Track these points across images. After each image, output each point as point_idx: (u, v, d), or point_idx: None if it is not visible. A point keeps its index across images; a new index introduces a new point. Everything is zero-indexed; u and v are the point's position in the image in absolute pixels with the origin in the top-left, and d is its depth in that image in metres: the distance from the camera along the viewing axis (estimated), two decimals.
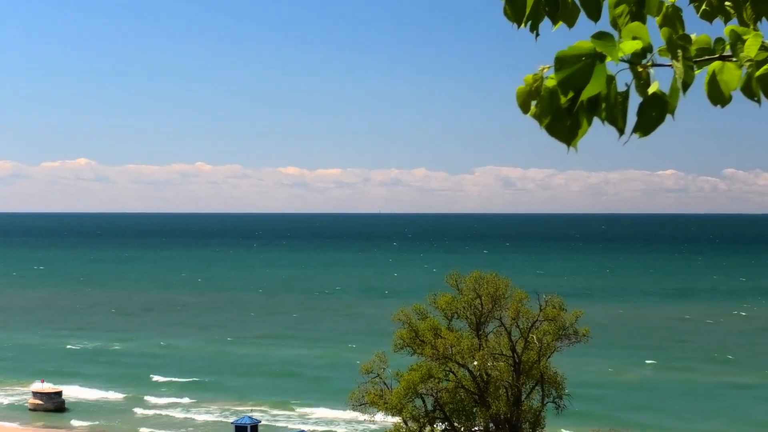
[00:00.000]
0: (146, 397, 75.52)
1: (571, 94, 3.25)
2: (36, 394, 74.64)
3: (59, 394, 75.01)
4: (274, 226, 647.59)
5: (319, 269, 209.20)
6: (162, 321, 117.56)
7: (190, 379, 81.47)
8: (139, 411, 72.00)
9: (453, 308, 44.79)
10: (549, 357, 43.52)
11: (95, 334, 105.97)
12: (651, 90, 3.24)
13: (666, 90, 3.23)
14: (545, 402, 42.98)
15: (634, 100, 3.27)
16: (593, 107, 3.27)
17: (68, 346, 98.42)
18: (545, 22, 3.67)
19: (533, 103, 3.33)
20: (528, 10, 3.61)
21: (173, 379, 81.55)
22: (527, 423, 42.66)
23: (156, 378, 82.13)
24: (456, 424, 42.41)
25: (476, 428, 42.62)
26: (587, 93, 3.22)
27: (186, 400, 74.78)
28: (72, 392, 77.13)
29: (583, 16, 3.61)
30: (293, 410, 71.49)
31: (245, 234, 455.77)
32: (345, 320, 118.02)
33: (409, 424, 42.11)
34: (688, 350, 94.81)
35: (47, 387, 75.55)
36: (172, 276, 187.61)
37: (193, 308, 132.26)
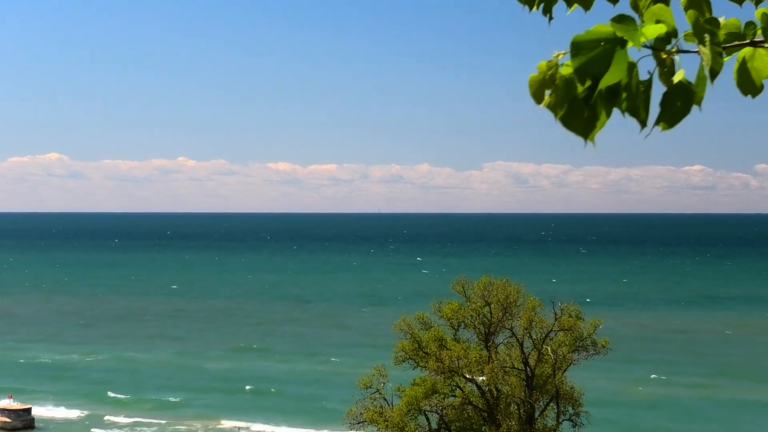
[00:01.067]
0: (107, 417, 75.18)
1: (588, 83, 3.24)
2: (3, 412, 74.61)
3: (28, 411, 75.00)
4: (262, 227, 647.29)
5: (309, 275, 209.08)
6: (132, 332, 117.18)
7: (159, 397, 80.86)
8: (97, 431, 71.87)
9: (460, 317, 44.82)
10: (565, 370, 43.55)
11: (59, 347, 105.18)
12: (676, 78, 3.23)
13: (692, 78, 3.23)
14: (561, 420, 43.01)
15: (658, 90, 3.27)
16: (613, 97, 3.26)
17: (32, 360, 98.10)
18: (559, 5, 3.66)
19: (547, 92, 3.32)
20: None
21: (141, 397, 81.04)
22: None
23: (120, 396, 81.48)
24: None
25: None
26: (606, 81, 3.21)
27: (154, 420, 74.50)
28: (39, 411, 76.84)
29: None
30: None
31: (230, 236, 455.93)
32: (335, 331, 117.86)
33: None
34: (714, 364, 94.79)
35: (15, 404, 75.53)
36: (148, 282, 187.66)
37: (166, 317, 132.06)
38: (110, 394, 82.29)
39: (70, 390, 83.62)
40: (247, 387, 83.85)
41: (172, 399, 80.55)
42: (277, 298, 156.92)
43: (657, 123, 3.25)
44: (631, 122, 3.26)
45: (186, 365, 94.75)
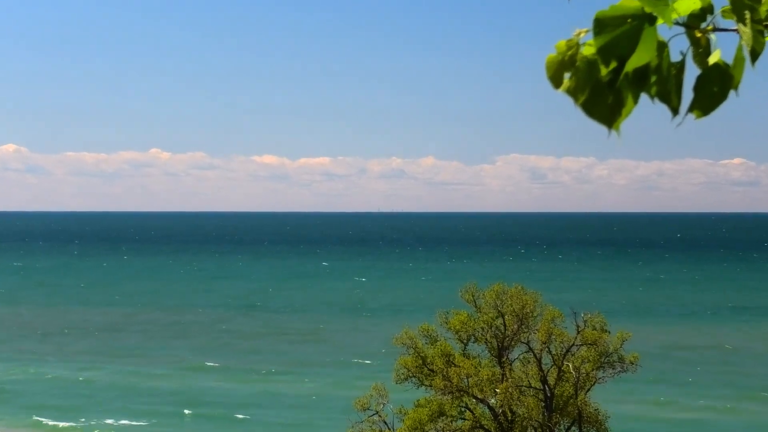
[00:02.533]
0: None
1: (613, 65, 3.23)
2: None
3: None
4: (246, 227, 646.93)
5: (296, 281, 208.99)
6: (67, 347, 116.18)
7: (97, 421, 80.00)
8: None
9: (469, 329, 44.82)
10: (588, 390, 43.56)
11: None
12: (712, 60, 3.22)
13: (729, 60, 3.22)
14: None
15: (691, 73, 3.26)
16: (640, 81, 3.26)
17: None
18: None
19: (567, 75, 3.32)
20: None
21: (74, 423, 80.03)
22: None
23: (48, 421, 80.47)
24: None
25: None
26: (633, 63, 3.21)
27: None
28: None
29: None
30: None
31: (208, 237, 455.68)
32: (321, 346, 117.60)
33: None
34: (754, 386, 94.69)
35: None
36: (109, 289, 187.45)
37: (110, 330, 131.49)
38: (36, 418, 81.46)
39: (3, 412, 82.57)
40: (221, 413, 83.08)
41: (108, 421, 79.91)
42: (259, 308, 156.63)
43: (690, 110, 3.24)
44: (662, 109, 3.25)
45: (128, 385, 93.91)
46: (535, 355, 44.24)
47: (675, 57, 3.26)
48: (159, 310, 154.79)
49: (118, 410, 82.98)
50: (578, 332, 44.15)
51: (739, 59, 3.22)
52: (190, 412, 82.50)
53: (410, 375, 43.80)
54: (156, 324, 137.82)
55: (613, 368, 43.84)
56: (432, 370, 43.28)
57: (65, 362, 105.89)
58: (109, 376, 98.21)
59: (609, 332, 44.56)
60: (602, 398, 46.49)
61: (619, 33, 3.18)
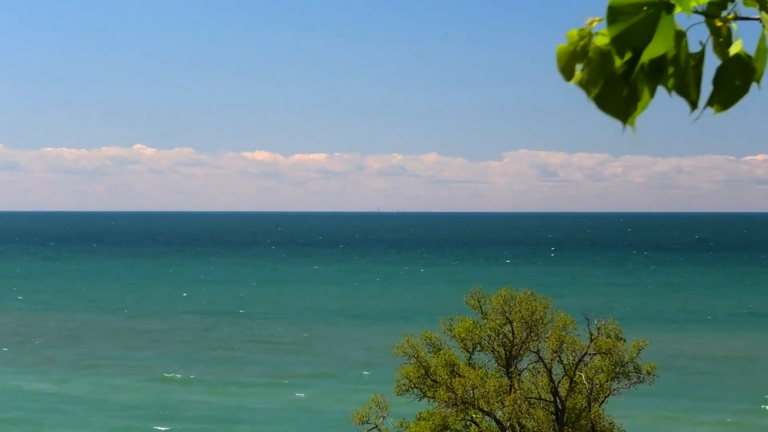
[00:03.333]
0: None
1: (628, 56, 3.24)
2: None
3: None
4: (234, 228, 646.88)
5: (286, 286, 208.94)
6: (27, 355, 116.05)
7: None
8: None
9: (475, 337, 44.85)
10: (602, 402, 43.58)
11: None
12: (733, 50, 3.22)
13: (751, 51, 3.22)
14: None
15: (711, 64, 3.27)
16: (657, 73, 3.26)
17: None
18: None
19: (579, 67, 3.33)
20: None
21: None
22: None
23: None
24: None
25: None
26: (649, 54, 3.21)
27: None
28: None
29: None
30: None
31: (195, 239, 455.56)
32: (315, 356, 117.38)
33: None
34: None
35: None
36: (81, 295, 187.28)
37: (92, 339, 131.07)
38: None
39: None
40: (187, 427, 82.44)
41: None
42: (244, 315, 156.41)
43: (709, 104, 3.25)
44: (680, 103, 3.26)
45: (97, 398, 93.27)
46: (545, 365, 44.24)
47: (694, 47, 3.26)
48: (136, 316, 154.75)
49: (85, 425, 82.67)
50: (591, 340, 44.16)
51: (761, 50, 3.22)
52: (164, 429, 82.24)
53: (412, 386, 43.82)
54: (131, 332, 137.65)
55: (629, 379, 43.86)
56: (435, 381, 43.29)
57: (31, 373, 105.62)
58: (78, 388, 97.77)
59: (624, 340, 44.55)
60: (617, 411, 46.52)
61: (635, 22, 3.19)
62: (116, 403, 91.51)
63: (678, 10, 3.18)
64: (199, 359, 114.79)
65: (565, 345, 44.16)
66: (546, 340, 44.51)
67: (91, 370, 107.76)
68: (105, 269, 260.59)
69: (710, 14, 3.24)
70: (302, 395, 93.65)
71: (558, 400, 43.48)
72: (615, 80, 3.26)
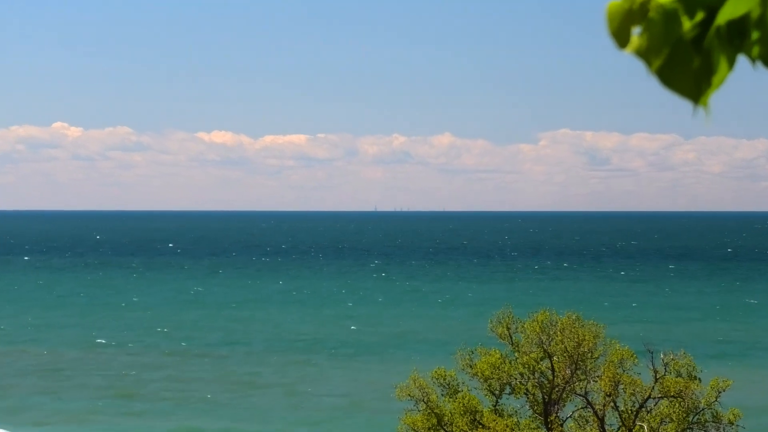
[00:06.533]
0: None
1: (701, 16, 3.33)
2: None
3: None
4: (185, 232, 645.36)
5: (250, 307, 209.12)
6: None
7: None
8: None
9: (503, 376, 45.02)
10: None
11: None
12: None
13: None
14: None
15: None
16: (737, 38, 3.34)
17: None
18: None
19: (636, 30, 3.41)
20: None
21: None
22: None
23: None
24: None
25: None
26: (727, 14, 3.29)
27: None
28: None
29: None
30: None
31: (131, 246, 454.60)
32: (284, 397, 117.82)
33: None
34: None
35: None
36: None
37: None
38: None
39: None
40: None
41: None
42: (194, 343, 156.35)
43: None
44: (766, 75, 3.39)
45: None
46: (595, 413, 44.42)
47: None
48: (43, 346, 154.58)
49: None
50: (656, 380, 44.28)
51: None
52: None
53: None
54: (41, 368, 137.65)
55: (706, 429, 44.07)
56: None
57: None
58: None
59: (699, 380, 44.72)
60: None
61: None
62: None
63: None
64: (126, 400, 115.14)
65: (621, 386, 44.33)
66: (597, 379, 44.69)
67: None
68: (8, 286, 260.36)
69: None
70: None
71: None
72: (683, 48, 3.33)
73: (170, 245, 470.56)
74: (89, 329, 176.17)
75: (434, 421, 43.99)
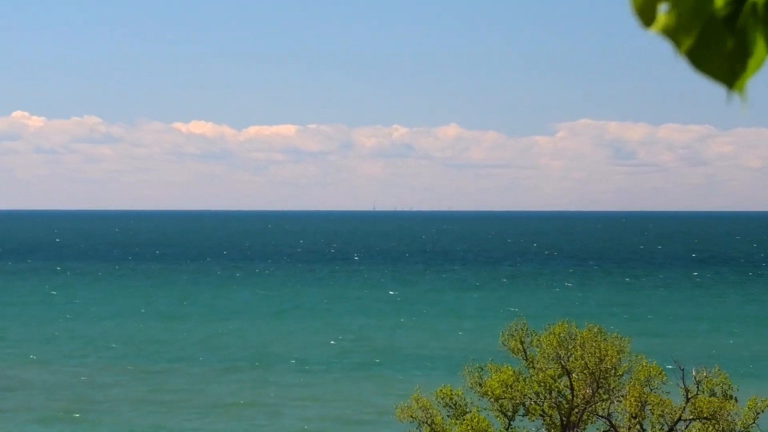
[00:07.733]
0: None
1: None
2: None
3: None
4: (159, 233, 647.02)
5: (232, 319, 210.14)
6: None
7: None
8: None
9: (516, 395, 45.06)
10: None
11: None
12: None
13: None
14: None
15: None
16: None
17: None
18: None
19: (663, 7, 3.38)
20: None
21: None
22: None
23: None
24: None
25: None
26: None
27: None
28: None
29: None
30: None
31: (98, 250, 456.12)
32: (268, 417, 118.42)
33: None
34: None
35: None
36: None
37: None
38: None
39: None
40: None
41: None
42: (162, 359, 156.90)
43: None
44: None
45: None
46: None
47: None
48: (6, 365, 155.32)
49: None
50: (688, 400, 44.37)
51: None
52: None
53: None
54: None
55: None
56: None
57: None
58: None
59: (736, 399, 44.80)
60: None
61: None
62: None
63: None
64: (95, 421, 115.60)
65: (649, 407, 44.38)
66: (621, 399, 44.72)
67: None
68: None
69: None
70: None
71: None
72: (716, 28, 3.29)
73: (137, 249, 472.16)
74: (41, 342, 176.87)
75: None
